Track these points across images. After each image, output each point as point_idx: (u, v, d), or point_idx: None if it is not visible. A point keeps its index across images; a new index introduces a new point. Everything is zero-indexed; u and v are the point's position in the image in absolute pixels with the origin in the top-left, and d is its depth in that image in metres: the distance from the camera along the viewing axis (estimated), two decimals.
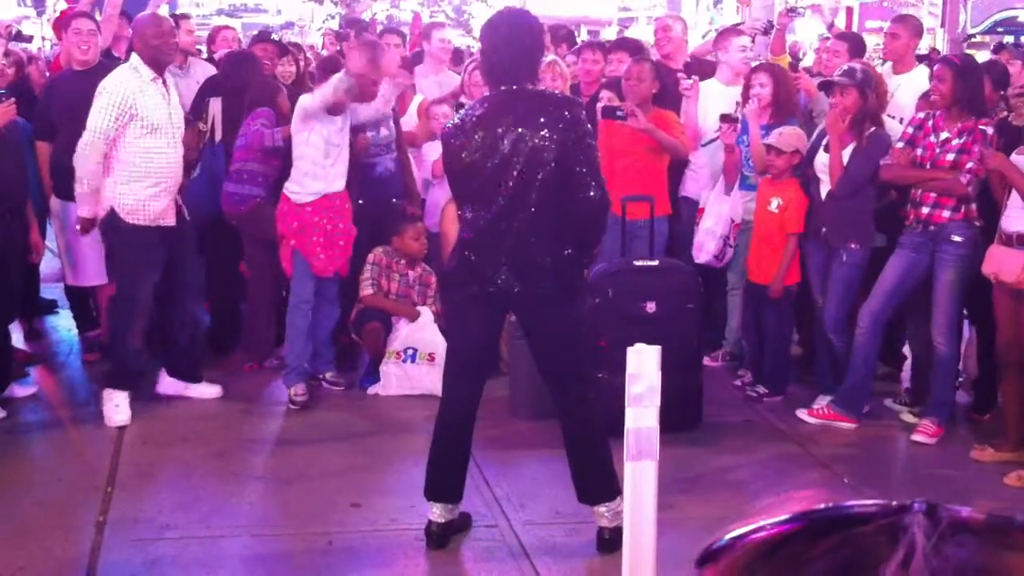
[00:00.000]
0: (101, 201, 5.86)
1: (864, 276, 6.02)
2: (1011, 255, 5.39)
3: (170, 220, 5.96)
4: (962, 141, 5.68)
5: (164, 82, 5.91)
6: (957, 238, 5.70)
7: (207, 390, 6.31)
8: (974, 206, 5.72)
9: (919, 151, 5.80)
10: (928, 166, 5.75)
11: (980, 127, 5.64)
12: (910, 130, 5.89)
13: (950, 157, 5.69)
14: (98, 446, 5.63)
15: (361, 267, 6.57)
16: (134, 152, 5.78)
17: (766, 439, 5.94)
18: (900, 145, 5.86)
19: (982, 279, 5.63)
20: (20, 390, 6.35)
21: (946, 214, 5.71)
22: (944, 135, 5.73)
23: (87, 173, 5.75)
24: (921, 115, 5.92)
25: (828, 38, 9.10)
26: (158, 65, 5.86)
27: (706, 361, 6.87)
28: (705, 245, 6.72)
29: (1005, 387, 5.68)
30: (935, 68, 5.93)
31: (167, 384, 6.29)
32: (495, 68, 4.40)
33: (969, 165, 5.62)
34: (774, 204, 6.28)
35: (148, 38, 5.84)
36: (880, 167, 5.88)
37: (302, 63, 7.98)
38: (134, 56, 5.91)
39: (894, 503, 0.74)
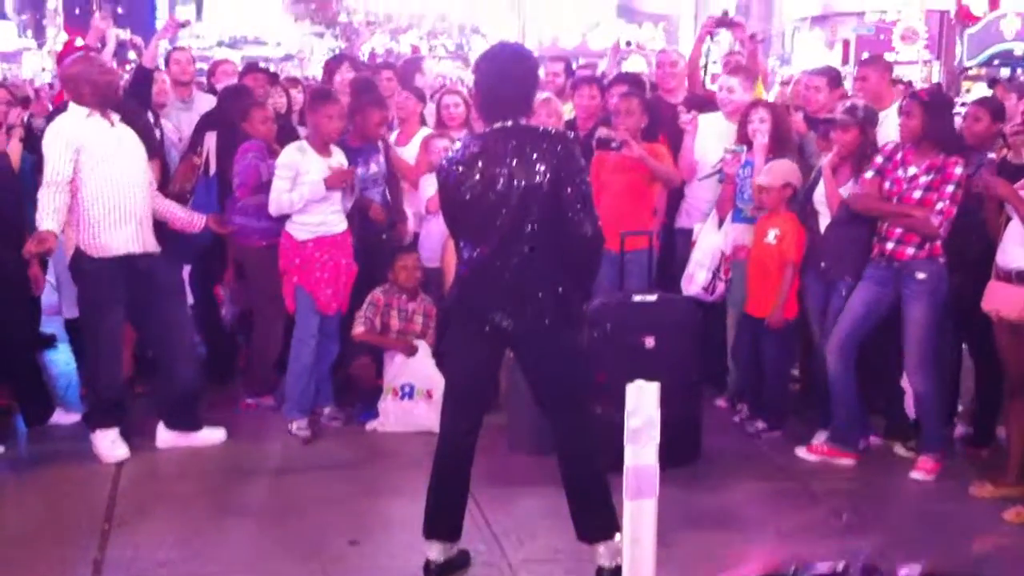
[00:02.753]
0: (66, 242, 5.86)
1: None
2: (1011, 291, 5.38)
3: (136, 248, 5.87)
4: (930, 178, 5.67)
5: (105, 114, 5.86)
6: (921, 275, 5.70)
7: (211, 435, 6.19)
8: (939, 243, 5.72)
9: (887, 184, 5.79)
10: (895, 200, 5.76)
11: (949, 165, 5.62)
12: (879, 160, 5.87)
13: (917, 194, 5.68)
14: (96, 482, 5.61)
15: (358, 304, 6.58)
16: (89, 185, 5.76)
17: (765, 475, 5.92)
18: (870, 174, 5.86)
19: (981, 313, 5.64)
20: (65, 417, 6.43)
21: (910, 251, 5.71)
22: (912, 170, 5.73)
23: (47, 213, 5.67)
24: (891, 146, 5.91)
25: (805, 72, 9.11)
26: (104, 102, 5.82)
27: (718, 403, 6.89)
28: (695, 277, 6.78)
29: (1011, 422, 5.65)
30: (903, 103, 5.91)
31: (166, 439, 6.12)
32: (490, 102, 4.42)
33: (940, 206, 5.61)
34: (771, 235, 6.31)
35: (94, 76, 5.81)
36: (850, 196, 5.89)
37: (297, 93, 7.95)
38: (71, 105, 5.86)
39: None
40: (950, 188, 5.61)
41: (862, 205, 5.88)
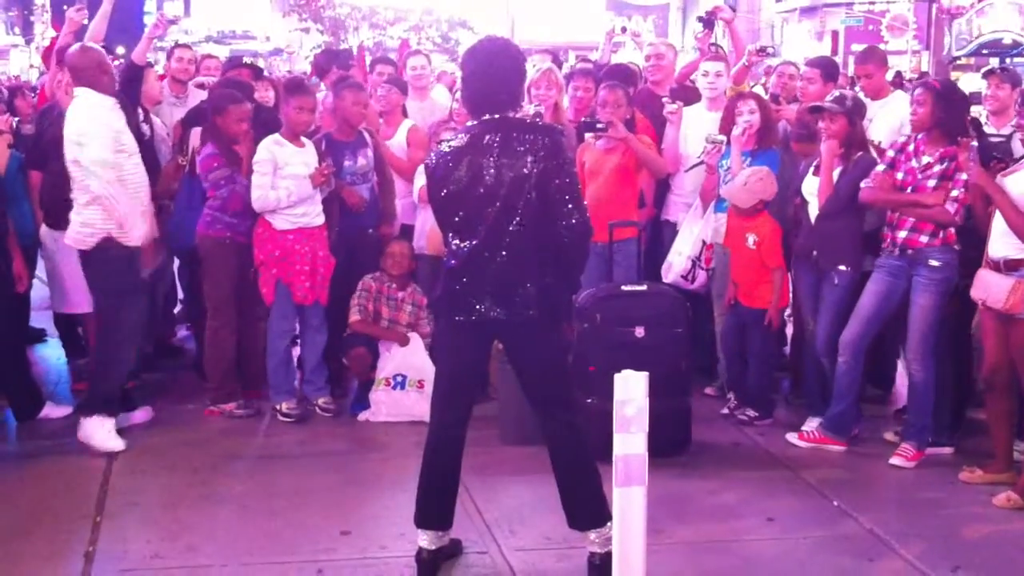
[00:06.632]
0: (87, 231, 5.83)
1: (855, 299, 6.02)
2: (997, 280, 5.39)
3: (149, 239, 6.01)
4: (944, 167, 5.69)
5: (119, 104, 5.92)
6: (934, 262, 5.71)
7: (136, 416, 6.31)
8: (953, 231, 5.74)
9: (900, 175, 5.81)
10: (909, 190, 5.77)
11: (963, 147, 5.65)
12: (891, 153, 5.90)
13: (931, 183, 5.70)
14: (86, 475, 5.61)
15: (344, 295, 6.58)
16: (123, 173, 5.76)
17: (756, 463, 5.94)
18: (881, 168, 5.88)
19: (960, 300, 5.66)
20: (56, 411, 6.44)
21: (924, 239, 5.72)
22: (925, 159, 5.75)
23: (107, 195, 5.68)
24: (902, 139, 5.94)
25: (789, 63, 9.11)
26: (111, 89, 5.84)
27: (707, 391, 6.91)
28: (674, 265, 6.79)
29: (991, 410, 5.68)
30: (915, 92, 5.94)
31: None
32: (476, 97, 4.43)
33: (955, 193, 5.62)
34: (750, 240, 6.34)
35: (98, 65, 5.81)
36: (861, 189, 5.90)
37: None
38: (86, 91, 5.78)
39: None
40: (964, 176, 5.62)
41: (874, 197, 5.88)
